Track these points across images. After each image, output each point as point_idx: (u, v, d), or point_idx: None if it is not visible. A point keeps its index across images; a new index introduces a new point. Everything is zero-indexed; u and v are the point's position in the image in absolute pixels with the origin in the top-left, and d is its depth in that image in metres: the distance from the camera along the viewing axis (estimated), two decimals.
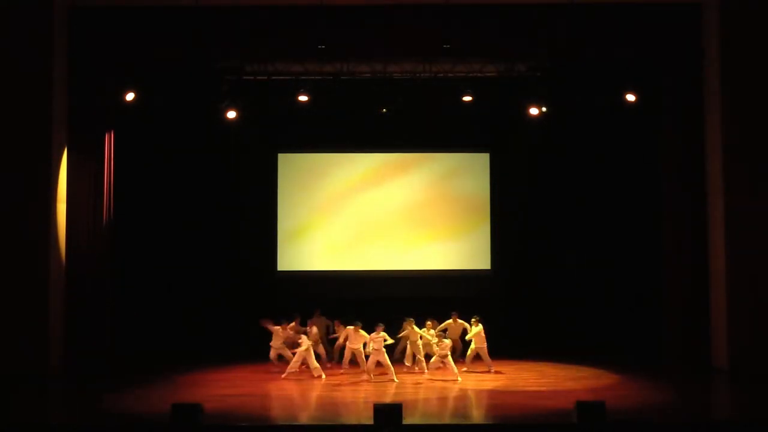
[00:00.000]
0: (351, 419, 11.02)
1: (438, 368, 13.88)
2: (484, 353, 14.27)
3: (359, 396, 12.40)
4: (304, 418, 11.43)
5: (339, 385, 13.29)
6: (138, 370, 14.60)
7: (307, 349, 13.81)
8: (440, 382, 13.46)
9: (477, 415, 11.69)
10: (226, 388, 13.02)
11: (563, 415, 10.37)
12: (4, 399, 12.20)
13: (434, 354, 13.95)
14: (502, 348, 15.45)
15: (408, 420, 9.89)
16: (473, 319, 14.46)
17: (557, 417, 10.57)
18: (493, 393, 12.67)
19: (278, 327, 14.28)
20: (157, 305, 16.67)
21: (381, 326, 13.75)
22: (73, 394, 13.12)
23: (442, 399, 12.38)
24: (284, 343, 14.28)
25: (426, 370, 13.91)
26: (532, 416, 10.81)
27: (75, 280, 14.39)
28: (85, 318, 14.34)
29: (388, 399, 12.11)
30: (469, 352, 14.47)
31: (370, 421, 9.61)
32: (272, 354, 14.34)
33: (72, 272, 14.38)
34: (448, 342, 14.00)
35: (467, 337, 14.46)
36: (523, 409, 11.24)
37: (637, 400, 11.78)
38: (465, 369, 14.22)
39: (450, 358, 13.81)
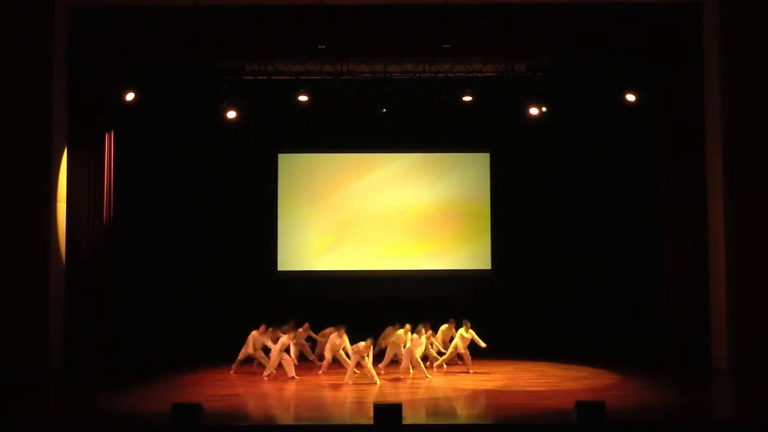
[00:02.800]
0: (351, 419, 11.02)
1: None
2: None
3: (359, 396, 12.39)
4: (304, 418, 11.42)
5: (339, 385, 13.29)
6: (138, 370, 14.60)
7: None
8: (440, 382, 13.45)
9: (477, 415, 11.70)
10: (226, 388, 13.03)
11: (563, 415, 10.36)
12: (4, 399, 12.19)
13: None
14: (502, 348, 15.45)
15: (408, 420, 9.89)
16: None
17: (557, 417, 10.56)
18: (493, 393, 12.66)
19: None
20: (157, 305, 16.67)
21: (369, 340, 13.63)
22: (73, 394, 13.11)
23: (442, 399, 12.38)
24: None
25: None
26: (532, 416, 10.81)
27: (75, 280, 14.38)
28: (85, 318, 14.33)
29: (388, 399, 12.08)
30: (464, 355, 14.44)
31: (370, 421, 9.62)
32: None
33: (72, 272, 14.38)
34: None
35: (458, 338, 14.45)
36: (523, 409, 11.23)
37: (637, 400, 11.77)
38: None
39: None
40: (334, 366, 14.09)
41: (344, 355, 13.80)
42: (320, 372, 14.07)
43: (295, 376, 13.75)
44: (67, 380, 13.80)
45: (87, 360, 14.20)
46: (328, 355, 14.03)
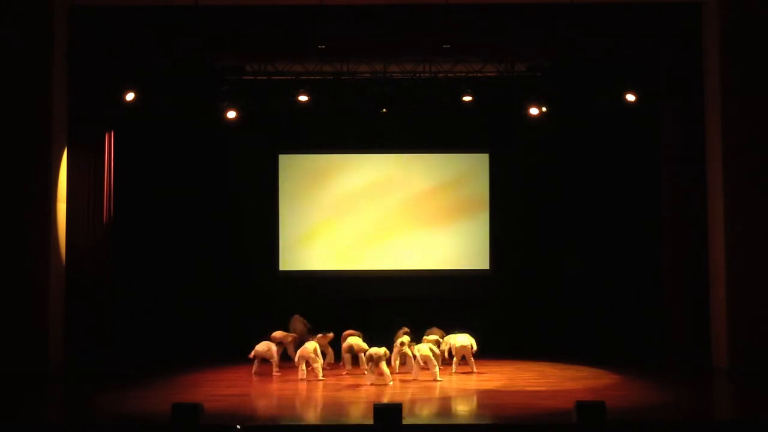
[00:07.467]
0: (351, 419, 11.02)
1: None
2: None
3: (359, 396, 12.39)
4: (304, 418, 11.44)
5: (339, 385, 13.29)
6: (138, 370, 14.59)
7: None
8: (440, 382, 13.43)
9: (476, 415, 11.69)
10: (226, 388, 13.02)
11: (563, 415, 10.35)
12: (4, 399, 12.19)
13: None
14: (501, 348, 15.44)
15: (408, 420, 9.88)
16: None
17: (557, 417, 10.55)
18: (493, 393, 12.65)
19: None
20: (157, 305, 16.67)
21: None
22: (73, 394, 13.11)
23: (442, 399, 12.37)
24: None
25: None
26: (532, 416, 10.80)
27: (75, 280, 14.38)
28: (85, 318, 14.34)
29: (387, 399, 12.09)
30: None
31: (370, 421, 9.62)
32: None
33: (72, 272, 14.38)
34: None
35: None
36: (523, 409, 11.23)
37: (637, 400, 11.76)
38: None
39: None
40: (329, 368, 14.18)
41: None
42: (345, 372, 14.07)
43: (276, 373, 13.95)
44: (67, 380, 13.80)
45: (87, 360, 14.21)
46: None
